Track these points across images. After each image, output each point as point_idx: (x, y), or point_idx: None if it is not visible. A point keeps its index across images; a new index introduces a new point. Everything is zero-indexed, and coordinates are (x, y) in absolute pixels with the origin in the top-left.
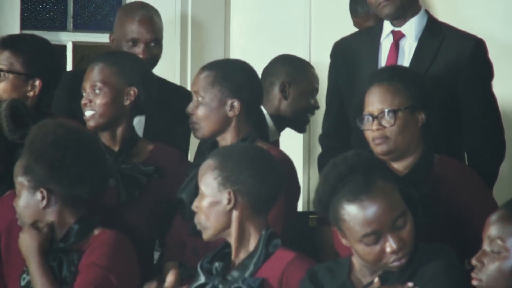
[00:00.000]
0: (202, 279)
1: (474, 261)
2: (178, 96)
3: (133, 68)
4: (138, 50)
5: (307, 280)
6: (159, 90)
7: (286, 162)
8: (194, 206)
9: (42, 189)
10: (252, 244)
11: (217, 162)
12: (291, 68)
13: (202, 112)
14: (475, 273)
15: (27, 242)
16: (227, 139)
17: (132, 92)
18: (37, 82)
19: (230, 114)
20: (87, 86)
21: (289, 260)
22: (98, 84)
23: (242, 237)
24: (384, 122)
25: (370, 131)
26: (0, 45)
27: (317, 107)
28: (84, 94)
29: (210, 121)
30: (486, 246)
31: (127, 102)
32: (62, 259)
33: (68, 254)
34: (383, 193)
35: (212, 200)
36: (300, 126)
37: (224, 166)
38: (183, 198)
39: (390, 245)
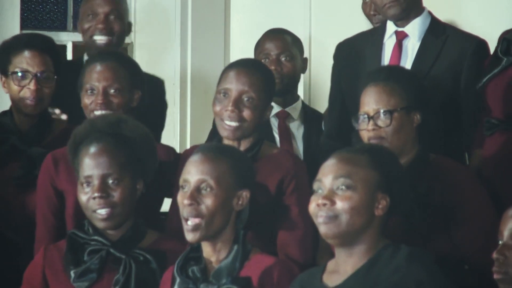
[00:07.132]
0: (180, 283)
1: (495, 255)
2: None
3: (140, 71)
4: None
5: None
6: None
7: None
8: (193, 202)
9: None
10: (224, 245)
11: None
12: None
13: (255, 114)
14: (497, 267)
15: None
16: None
17: (136, 96)
18: (55, 80)
19: (265, 119)
20: (100, 85)
21: (270, 263)
22: (117, 86)
23: (221, 239)
24: (379, 123)
25: (366, 131)
26: (35, 48)
27: None
28: (94, 91)
29: (256, 123)
30: (507, 240)
31: (133, 105)
32: None
33: None
34: (350, 160)
35: (225, 198)
36: None
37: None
38: None
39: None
